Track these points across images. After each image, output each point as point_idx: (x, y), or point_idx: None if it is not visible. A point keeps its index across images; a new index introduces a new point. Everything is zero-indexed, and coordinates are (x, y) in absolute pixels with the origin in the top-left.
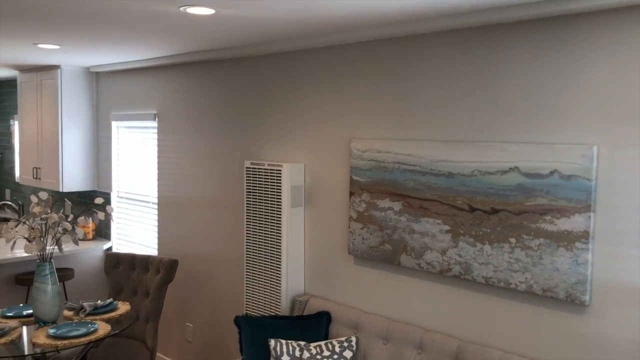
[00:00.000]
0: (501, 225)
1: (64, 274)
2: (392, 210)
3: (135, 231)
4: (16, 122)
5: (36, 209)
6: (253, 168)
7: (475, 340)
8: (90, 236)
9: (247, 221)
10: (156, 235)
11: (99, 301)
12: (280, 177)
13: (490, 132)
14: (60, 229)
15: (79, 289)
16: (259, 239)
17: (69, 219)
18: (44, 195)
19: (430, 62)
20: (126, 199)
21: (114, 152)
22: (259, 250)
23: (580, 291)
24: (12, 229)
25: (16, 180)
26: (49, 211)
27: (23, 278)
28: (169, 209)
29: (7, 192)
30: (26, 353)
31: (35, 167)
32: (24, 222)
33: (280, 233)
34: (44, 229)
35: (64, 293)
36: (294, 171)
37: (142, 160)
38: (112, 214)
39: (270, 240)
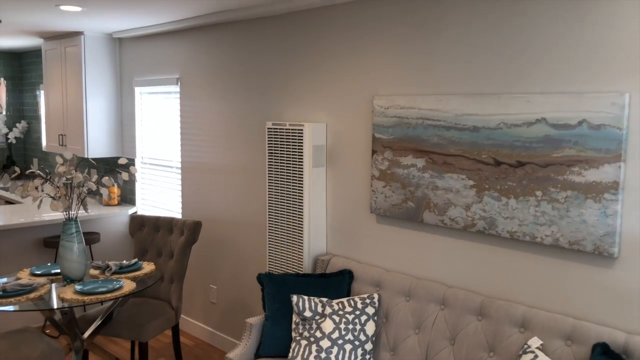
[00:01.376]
0: (527, 179)
1: (90, 238)
2: (415, 167)
3: (159, 196)
4: (42, 93)
5: (61, 169)
6: (274, 129)
7: (500, 296)
8: (115, 202)
9: (269, 182)
10: (180, 199)
11: (124, 261)
12: (301, 137)
13: (516, 84)
14: (84, 189)
15: (105, 252)
16: (281, 199)
17: (94, 180)
18: (68, 155)
19: (454, 15)
20: (150, 165)
21: (137, 118)
22: (281, 211)
23: (609, 243)
24: (37, 187)
25: (43, 150)
26: (74, 171)
27: (51, 241)
28: (192, 174)
29: (35, 161)
30: (54, 307)
31: (61, 134)
32: (49, 180)
33: (302, 193)
34: (69, 188)
35: (90, 256)
36: (316, 131)
37: (165, 125)
38: (136, 174)
39: (292, 201)
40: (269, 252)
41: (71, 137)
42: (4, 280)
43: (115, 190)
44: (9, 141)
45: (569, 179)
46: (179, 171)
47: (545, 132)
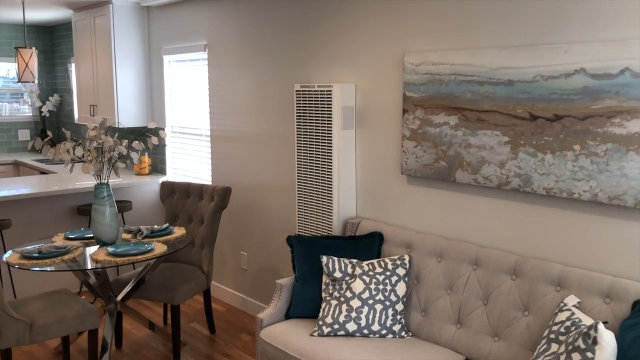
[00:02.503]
0: (564, 132)
1: (122, 205)
2: (448, 125)
3: (189, 165)
4: (73, 65)
5: (92, 133)
6: (303, 91)
7: (535, 255)
8: (147, 171)
9: (297, 147)
10: (210, 168)
11: (156, 226)
12: (330, 98)
13: (553, 34)
14: (115, 153)
15: (137, 220)
16: (310, 163)
17: (124, 144)
18: (99, 119)
19: None
20: (180, 133)
21: (166, 87)
22: (310, 175)
23: None
24: (68, 150)
25: (75, 122)
26: (104, 135)
27: (84, 208)
28: (222, 142)
29: (68, 133)
30: (88, 268)
31: (92, 105)
32: (80, 144)
33: (331, 156)
34: (100, 152)
35: (123, 223)
36: (345, 92)
37: (194, 93)
38: (166, 139)
39: (322, 165)
40: (299, 217)
41: (102, 108)
42: (40, 244)
43: (146, 159)
44: (43, 114)
45: (609, 131)
46: (209, 139)
47: (584, 83)
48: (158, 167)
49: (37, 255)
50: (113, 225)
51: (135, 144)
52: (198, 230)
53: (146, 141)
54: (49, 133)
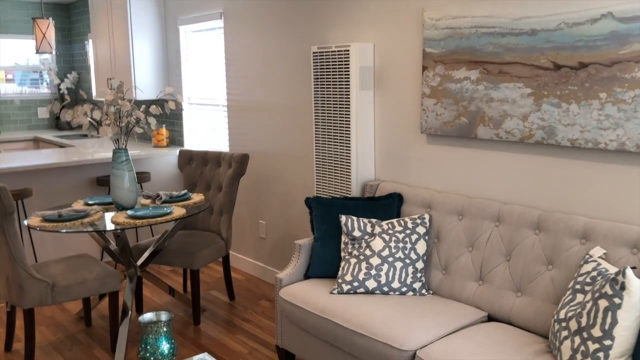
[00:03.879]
0: (590, 81)
1: (141, 177)
2: (469, 79)
3: (207, 136)
4: (90, 42)
5: (109, 97)
6: (320, 52)
7: (559, 209)
8: (164, 143)
9: (315, 111)
10: (227, 139)
11: (174, 192)
12: (348, 58)
13: None
14: (133, 118)
15: (156, 190)
16: (328, 126)
17: (141, 109)
18: (115, 83)
19: None
20: (197, 105)
21: (182, 58)
22: (328, 139)
23: None
24: (86, 112)
25: (93, 99)
26: (121, 99)
27: (103, 179)
28: (239, 112)
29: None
30: (107, 229)
31: (109, 78)
32: (98, 107)
33: (349, 118)
34: (117, 116)
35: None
36: (363, 51)
37: (210, 64)
38: (183, 104)
39: (339, 127)
40: (317, 182)
41: (119, 80)
42: (60, 209)
43: (164, 131)
44: (61, 92)
45: (638, 76)
46: (226, 109)
47: (612, 28)
48: (176, 139)
49: (57, 218)
50: (132, 190)
51: (153, 108)
52: (216, 197)
53: (164, 106)
54: (67, 97)
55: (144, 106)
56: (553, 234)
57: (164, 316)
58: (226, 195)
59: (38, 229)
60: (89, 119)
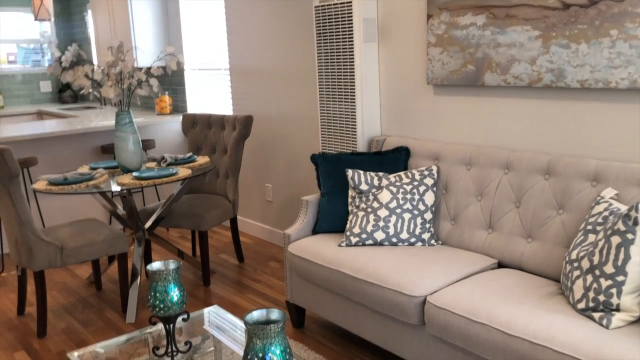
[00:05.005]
0: (600, 18)
1: (146, 144)
2: (475, 25)
3: (210, 102)
4: (89, 13)
5: (109, 58)
6: (322, 6)
7: (569, 154)
8: (168, 111)
9: (319, 66)
10: (231, 103)
11: (179, 155)
12: (350, 11)
13: None
14: (135, 79)
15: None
16: (332, 83)
17: (142, 71)
18: (115, 43)
19: None
20: (199, 70)
21: (183, 24)
22: (332, 96)
23: None
24: (87, 73)
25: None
26: (122, 60)
27: (108, 147)
28: (242, 76)
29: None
30: (112, 189)
31: (110, 47)
32: (98, 66)
33: (353, 73)
34: (119, 78)
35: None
36: (366, 3)
37: (211, 27)
38: (184, 64)
39: (344, 83)
40: (322, 140)
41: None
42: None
43: (167, 99)
44: (62, 65)
45: None
46: (228, 74)
47: None
48: (179, 106)
49: (62, 181)
50: (137, 153)
51: (154, 69)
52: (222, 160)
53: (166, 66)
54: (66, 57)
55: (144, 67)
56: (563, 177)
57: (172, 264)
58: (231, 158)
59: (44, 192)
60: (89, 81)
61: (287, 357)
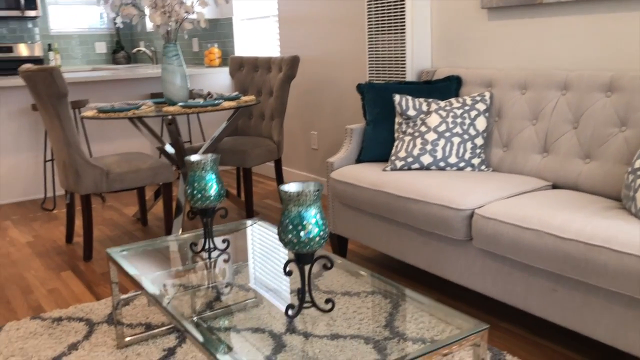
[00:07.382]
0: None
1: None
2: None
3: (259, 51)
4: None
5: None
6: None
7: (632, 68)
8: (217, 63)
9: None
10: (279, 52)
11: (225, 93)
12: None
13: None
14: (182, 11)
15: None
16: (382, 16)
17: (189, 3)
18: None
19: None
20: (248, 20)
21: None
22: (382, 28)
23: None
24: (133, 3)
25: (147, 31)
26: None
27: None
28: (290, 22)
29: (141, 43)
30: (157, 114)
31: None
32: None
33: (403, 2)
34: (167, 8)
35: None
36: None
37: None
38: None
39: (393, 14)
40: (370, 75)
41: None
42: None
43: (216, 51)
44: (117, 26)
45: None
46: (276, 20)
47: None
48: (228, 60)
49: (110, 109)
50: (183, 86)
51: (201, 1)
52: (267, 102)
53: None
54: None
55: (192, 1)
56: (628, 92)
57: (211, 155)
58: (277, 99)
59: (92, 118)
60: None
61: (322, 221)
